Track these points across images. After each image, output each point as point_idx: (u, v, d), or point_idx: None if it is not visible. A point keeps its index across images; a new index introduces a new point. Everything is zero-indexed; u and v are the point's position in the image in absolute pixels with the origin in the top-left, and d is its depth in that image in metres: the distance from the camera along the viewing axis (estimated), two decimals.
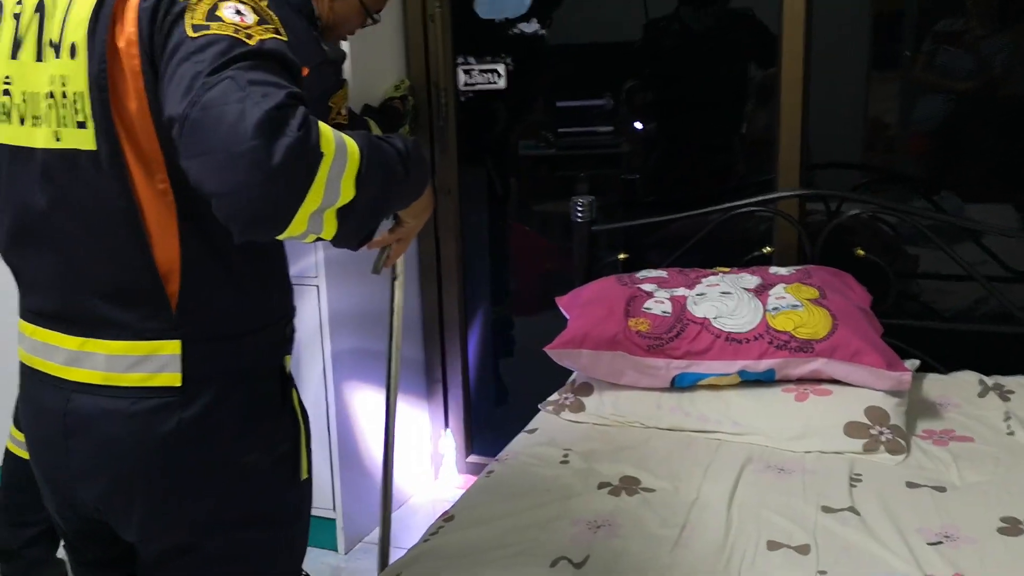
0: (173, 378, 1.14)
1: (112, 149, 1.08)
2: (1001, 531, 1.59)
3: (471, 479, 2.97)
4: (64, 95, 1.09)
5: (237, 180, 0.94)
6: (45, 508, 2.27)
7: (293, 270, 2.48)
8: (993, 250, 2.55)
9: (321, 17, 2.08)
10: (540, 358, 2.18)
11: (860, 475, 1.83)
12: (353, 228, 1.09)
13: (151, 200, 1.11)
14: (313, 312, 2.54)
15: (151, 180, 1.10)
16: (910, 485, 1.78)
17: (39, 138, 1.12)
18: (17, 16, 1.14)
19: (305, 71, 1.94)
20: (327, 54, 2.05)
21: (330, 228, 1.05)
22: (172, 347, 1.14)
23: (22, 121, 1.14)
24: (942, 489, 1.76)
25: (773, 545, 1.58)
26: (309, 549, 2.69)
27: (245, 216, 0.96)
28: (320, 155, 0.98)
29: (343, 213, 1.04)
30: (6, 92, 1.15)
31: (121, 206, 1.10)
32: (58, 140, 1.11)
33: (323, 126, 1.00)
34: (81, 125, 1.09)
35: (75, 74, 1.08)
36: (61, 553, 2.41)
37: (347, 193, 1.03)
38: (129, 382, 1.14)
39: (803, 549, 1.56)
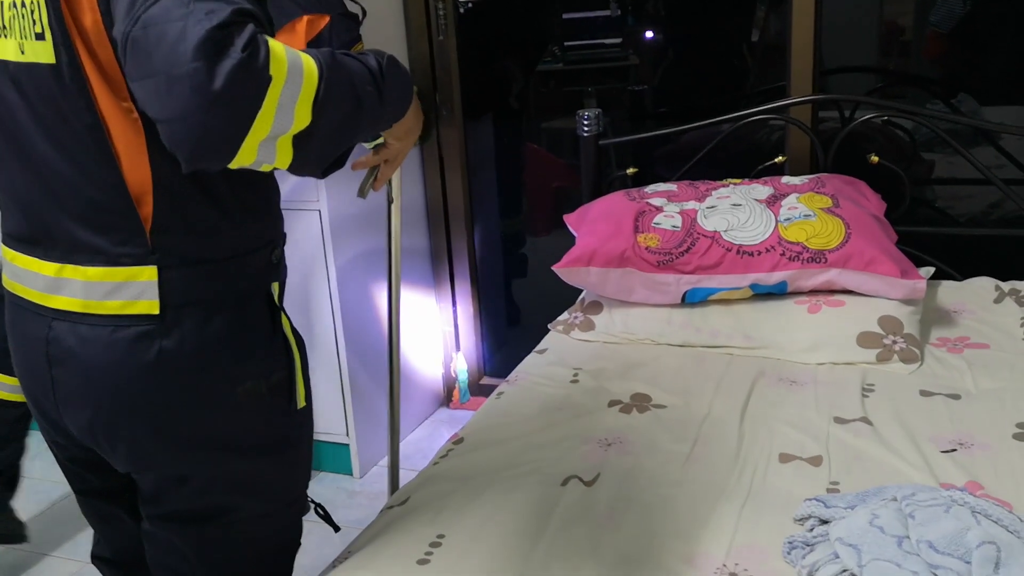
0: (151, 306, 1.11)
1: (72, 63, 1.03)
2: (1016, 437, 1.58)
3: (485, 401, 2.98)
4: (24, 3, 1.04)
5: (178, 106, 0.89)
6: None
7: (293, 195, 2.45)
8: (1010, 152, 2.49)
9: None
10: (552, 277, 2.16)
11: (873, 385, 1.81)
12: (312, 157, 1.03)
13: (117, 118, 1.06)
14: (316, 237, 2.52)
15: (115, 97, 1.05)
16: (924, 393, 1.77)
17: (9, 50, 1.08)
18: None
19: (326, 19, 1.88)
20: (347, 6, 2.01)
21: (284, 157, 0.99)
22: (148, 273, 1.11)
23: None
24: (956, 397, 1.74)
25: (785, 457, 1.57)
26: (324, 474, 2.74)
27: (189, 145, 0.92)
28: (268, 78, 0.91)
29: (299, 140, 0.98)
30: None
31: (87, 123, 1.06)
32: (23, 53, 1.06)
33: (275, 45, 0.93)
34: (39, 37, 1.04)
35: None
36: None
37: (302, 119, 0.96)
38: (107, 310, 1.12)
39: (815, 461, 1.56)
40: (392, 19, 2.81)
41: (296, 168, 1.02)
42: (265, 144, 0.95)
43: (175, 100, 0.89)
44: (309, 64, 0.97)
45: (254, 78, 0.90)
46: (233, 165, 0.95)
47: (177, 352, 1.12)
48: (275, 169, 1.02)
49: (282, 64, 0.93)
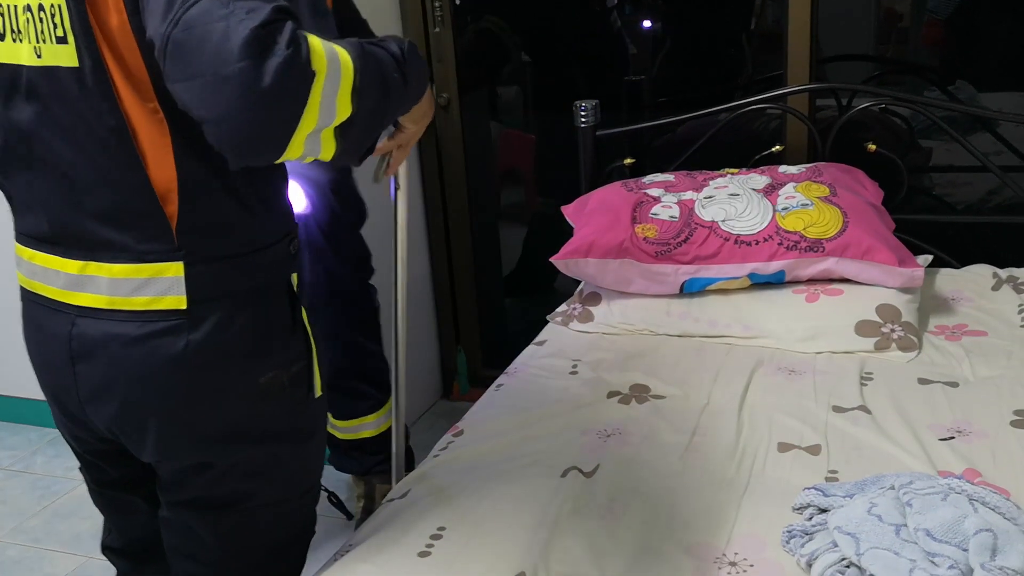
0: (179, 301, 1.13)
1: (96, 65, 1.04)
2: (1014, 424, 1.59)
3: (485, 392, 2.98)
4: (42, 7, 1.04)
5: (227, 105, 0.90)
6: None
7: None
8: (1008, 139, 2.49)
9: None
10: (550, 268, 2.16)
11: (871, 374, 1.82)
12: (353, 146, 1.05)
13: (142, 119, 1.07)
14: None
15: (140, 98, 1.06)
16: (922, 382, 1.77)
17: (23, 55, 1.08)
18: None
19: None
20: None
21: (328, 148, 1.01)
22: (175, 269, 1.12)
23: (2, 36, 1.09)
24: (954, 384, 1.75)
25: (784, 447, 1.58)
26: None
27: (239, 143, 0.93)
28: (312, 73, 0.93)
29: (341, 131, 1.00)
30: None
31: (111, 125, 1.07)
32: (39, 57, 1.06)
33: (314, 40, 0.95)
34: (61, 40, 1.04)
35: None
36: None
37: (344, 110, 0.98)
38: (134, 305, 1.13)
39: (814, 450, 1.56)
40: (388, 11, 2.81)
41: (338, 158, 1.04)
42: (311, 137, 0.97)
43: (224, 99, 0.90)
44: (345, 56, 0.99)
45: (300, 74, 0.92)
46: (281, 159, 0.97)
47: (204, 345, 1.14)
48: (317, 159, 1.03)
49: (322, 58, 0.95)
